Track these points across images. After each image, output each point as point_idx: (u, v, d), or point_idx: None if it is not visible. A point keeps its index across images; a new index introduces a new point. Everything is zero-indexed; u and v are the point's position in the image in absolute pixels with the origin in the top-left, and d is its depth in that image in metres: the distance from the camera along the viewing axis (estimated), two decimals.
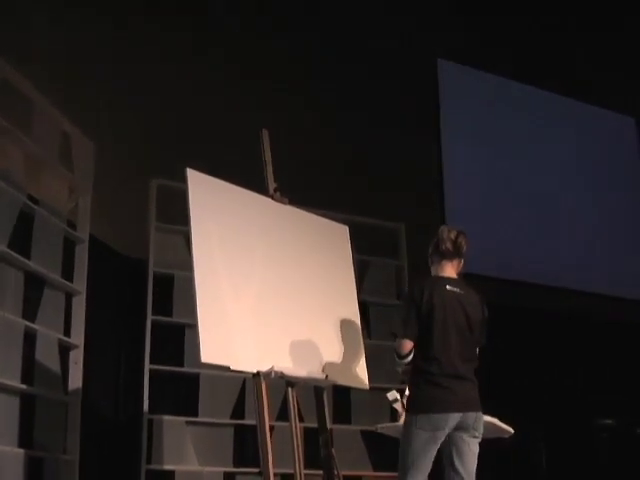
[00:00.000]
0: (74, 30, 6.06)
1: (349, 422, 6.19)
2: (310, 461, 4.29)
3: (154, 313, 5.65)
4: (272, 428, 4.35)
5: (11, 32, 5.38)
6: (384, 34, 7.71)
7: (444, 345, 3.55)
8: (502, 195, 8.24)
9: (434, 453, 3.51)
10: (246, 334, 3.95)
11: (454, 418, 3.48)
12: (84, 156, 5.42)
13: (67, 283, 5.08)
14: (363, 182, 7.18)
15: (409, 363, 3.62)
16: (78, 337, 5.11)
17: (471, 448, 3.56)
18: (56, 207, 5.11)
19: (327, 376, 4.16)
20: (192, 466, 5.60)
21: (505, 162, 8.38)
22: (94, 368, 5.30)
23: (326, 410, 4.38)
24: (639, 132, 9.39)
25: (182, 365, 5.68)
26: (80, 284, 5.19)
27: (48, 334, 4.82)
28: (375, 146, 7.40)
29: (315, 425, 4.36)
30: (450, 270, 3.73)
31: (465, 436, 3.53)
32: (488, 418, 3.99)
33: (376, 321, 6.49)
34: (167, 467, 5.48)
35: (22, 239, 4.67)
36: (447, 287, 3.64)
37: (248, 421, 5.66)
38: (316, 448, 4.31)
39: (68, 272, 5.14)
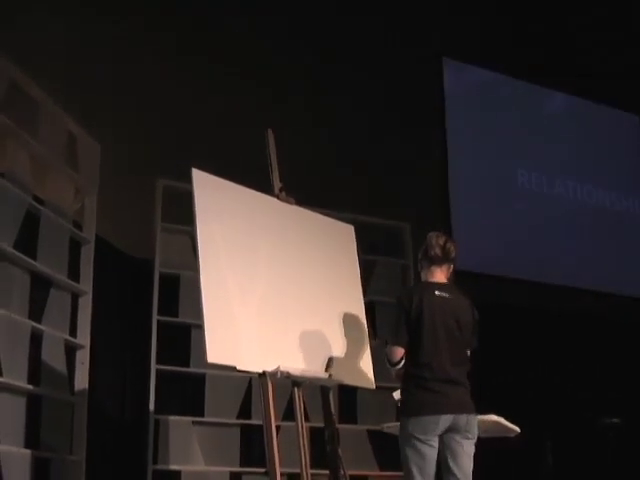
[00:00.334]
0: (79, 30, 6.07)
1: (355, 422, 6.19)
2: (316, 461, 4.29)
3: (160, 313, 5.65)
4: (278, 428, 4.34)
5: (16, 33, 5.39)
6: (388, 30, 7.71)
7: (434, 350, 3.59)
8: (505, 194, 8.25)
9: (433, 455, 3.54)
10: (252, 334, 3.95)
11: (445, 420, 3.51)
12: (90, 157, 5.43)
13: (73, 283, 5.08)
14: (369, 182, 7.18)
15: (401, 369, 3.66)
16: (84, 337, 5.12)
17: (465, 450, 3.59)
18: (62, 208, 5.11)
19: (332, 375, 4.16)
20: (198, 466, 5.60)
21: (508, 161, 8.38)
22: (100, 368, 5.31)
23: (332, 410, 4.37)
24: None
25: (188, 365, 5.69)
26: (86, 284, 5.19)
27: (54, 334, 4.83)
28: (380, 145, 7.40)
29: (321, 425, 4.36)
30: (439, 275, 3.78)
31: (458, 438, 3.56)
32: (494, 417, 4.00)
33: (382, 321, 6.48)
34: (173, 467, 5.49)
35: (28, 240, 4.68)
36: (436, 292, 3.70)
37: (254, 421, 5.67)
38: (322, 448, 4.31)
39: (74, 272, 5.14)
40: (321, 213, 4.78)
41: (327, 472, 4.24)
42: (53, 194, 5.07)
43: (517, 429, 4.15)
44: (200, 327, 3.74)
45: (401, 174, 7.35)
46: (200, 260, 3.82)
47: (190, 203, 3.94)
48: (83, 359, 5.09)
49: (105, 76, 6.09)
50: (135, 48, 6.36)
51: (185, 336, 5.70)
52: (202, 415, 5.71)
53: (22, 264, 4.58)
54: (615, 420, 6.75)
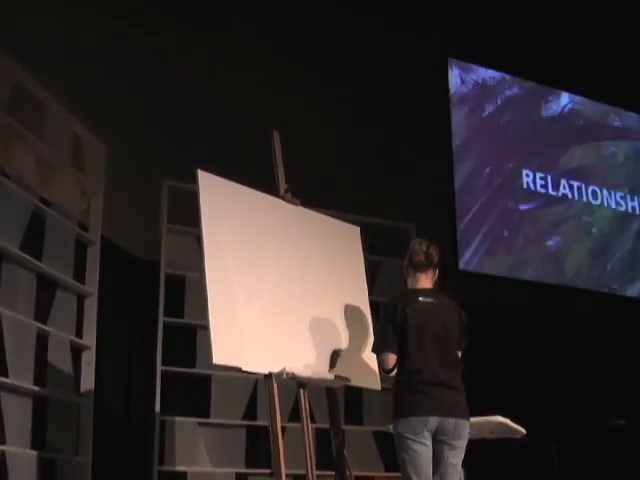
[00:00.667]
0: (84, 31, 6.08)
1: (361, 423, 6.18)
2: (322, 462, 4.29)
3: (166, 314, 5.65)
4: (284, 429, 4.34)
5: (17, 33, 5.39)
6: (391, 30, 7.70)
7: (421, 355, 3.61)
8: (510, 194, 8.25)
9: (428, 454, 3.53)
10: (258, 335, 3.94)
11: (432, 421, 3.51)
12: (95, 158, 5.44)
13: (79, 285, 5.09)
14: (374, 183, 7.17)
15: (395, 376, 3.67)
16: (90, 339, 5.13)
17: (451, 461, 3.57)
18: (68, 209, 5.12)
19: (337, 376, 4.15)
20: (204, 467, 5.61)
21: (513, 161, 8.38)
22: (106, 370, 5.32)
23: (339, 411, 4.37)
24: None
25: (194, 366, 5.69)
26: (92, 286, 5.20)
27: (60, 336, 4.84)
28: (386, 146, 7.39)
29: (327, 426, 4.36)
30: (424, 281, 3.82)
31: (445, 447, 3.54)
32: (500, 418, 4.00)
33: None
34: (179, 468, 5.49)
35: (34, 241, 4.69)
36: (420, 298, 3.73)
37: (260, 422, 5.67)
38: (328, 449, 4.31)
39: (80, 274, 5.15)
40: (326, 214, 4.77)
41: (333, 473, 4.24)
42: (59, 195, 5.08)
43: (523, 430, 4.15)
44: (206, 328, 3.73)
45: (407, 175, 7.34)
46: (205, 261, 3.82)
47: (195, 204, 3.95)
48: (89, 360, 5.10)
49: (109, 77, 6.09)
50: (142, 49, 6.37)
51: (191, 337, 5.71)
52: (208, 416, 5.71)
53: (28, 265, 4.59)
54: (621, 421, 6.75)
